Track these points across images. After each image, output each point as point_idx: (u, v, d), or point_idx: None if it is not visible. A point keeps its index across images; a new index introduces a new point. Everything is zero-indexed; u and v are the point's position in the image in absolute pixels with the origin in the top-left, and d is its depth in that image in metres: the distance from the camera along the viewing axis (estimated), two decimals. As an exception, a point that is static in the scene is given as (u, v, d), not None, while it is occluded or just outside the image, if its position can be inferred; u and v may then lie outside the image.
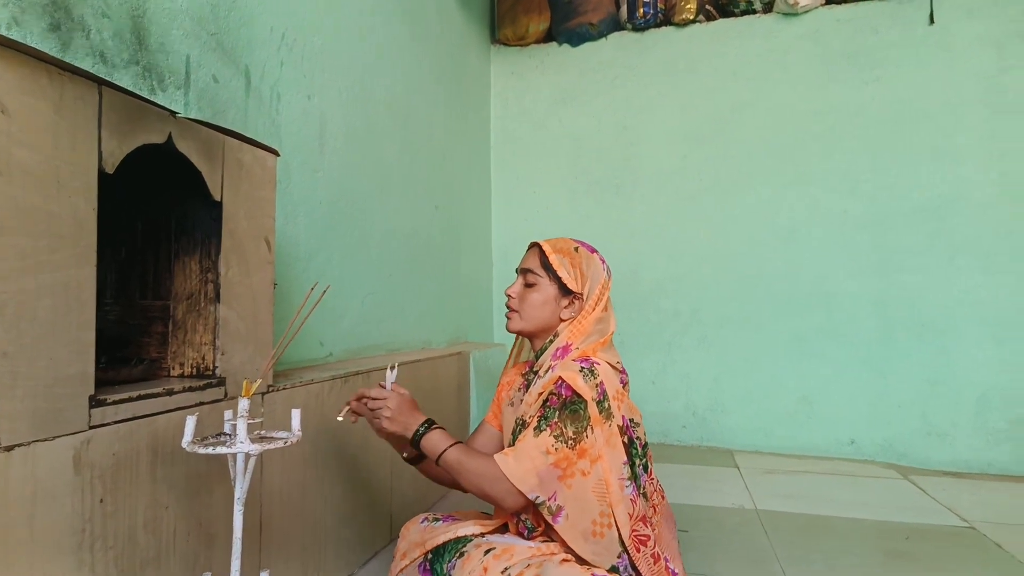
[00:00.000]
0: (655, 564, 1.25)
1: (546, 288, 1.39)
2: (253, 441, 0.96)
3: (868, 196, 3.28)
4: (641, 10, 3.63)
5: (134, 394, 1.00)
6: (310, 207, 1.89)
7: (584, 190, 3.78)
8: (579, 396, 1.24)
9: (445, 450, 1.28)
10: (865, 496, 2.57)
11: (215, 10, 1.49)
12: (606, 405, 1.25)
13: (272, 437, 1.01)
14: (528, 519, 1.31)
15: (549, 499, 1.21)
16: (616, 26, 3.74)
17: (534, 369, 1.42)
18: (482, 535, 1.35)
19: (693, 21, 3.60)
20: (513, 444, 1.31)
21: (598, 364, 1.29)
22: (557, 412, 1.24)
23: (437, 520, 1.42)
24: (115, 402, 0.96)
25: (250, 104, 1.62)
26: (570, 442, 1.22)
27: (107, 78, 1.05)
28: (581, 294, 1.38)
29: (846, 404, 3.25)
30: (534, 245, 1.45)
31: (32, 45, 0.86)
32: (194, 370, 1.20)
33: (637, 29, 3.70)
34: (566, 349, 1.35)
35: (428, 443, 1.29)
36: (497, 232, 3.95)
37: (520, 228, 3.86)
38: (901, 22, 3.28)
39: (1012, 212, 3.07)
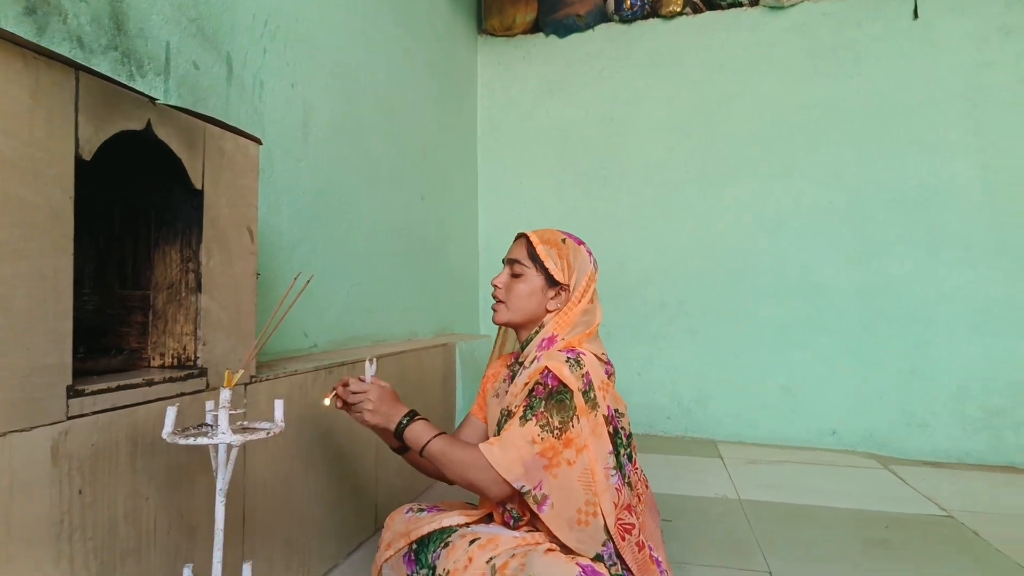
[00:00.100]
0: (639, 552, 1.26)
1: (533, 279, 1.39)
2: (235, 432, 0.96)
3: (852, 188, 3.31)
4: (628, 2, 3.63)
5: (113, 384, 0.98)
6: (294, 197, 1.87)
7: (571, 181, 3.78)
8: (565, 386, 1.24)
9: (429, 441, 1.27)
10: (846, 486, 2.61)
11: (196, -5, 1.47)
12: (592, 395, 1.25)
13: (255, 428, 1.00)
14: (514, 509, 1.31)
15: (535, 488, 1.21)
16: (603, 17, 3.74)
17: (519, 360, 1.42)
18: (467, 525, 1.35)
19: (680, 13, 3.61)
20: (499, 435, 1.31)
21: (584, 355, 1.30)
22: (543, 402, 1.24)
23: (422, 511, 1.42)
24: (93, 392, 0.95)
25: (232, 92, 1.60)
26: (556, 432, 1.22)
27: (84, 63, 1.03)
28: (568, 285, 1.38)
29: (828, 395, 3.29)
30: (521, 236, 1.45)
31: (6, 29, 0.84)
32: (175, 360, 1.19)
33: (624, 21, 3.70)
34: (552, 340, 1.35)
35: (411, 434, 1.29)
36: (483, 223, 3.95)
37: (506, 219, 3.85)
38: (885, 16, 3.31)
39: (993, 205, 3.11)
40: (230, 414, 0.94)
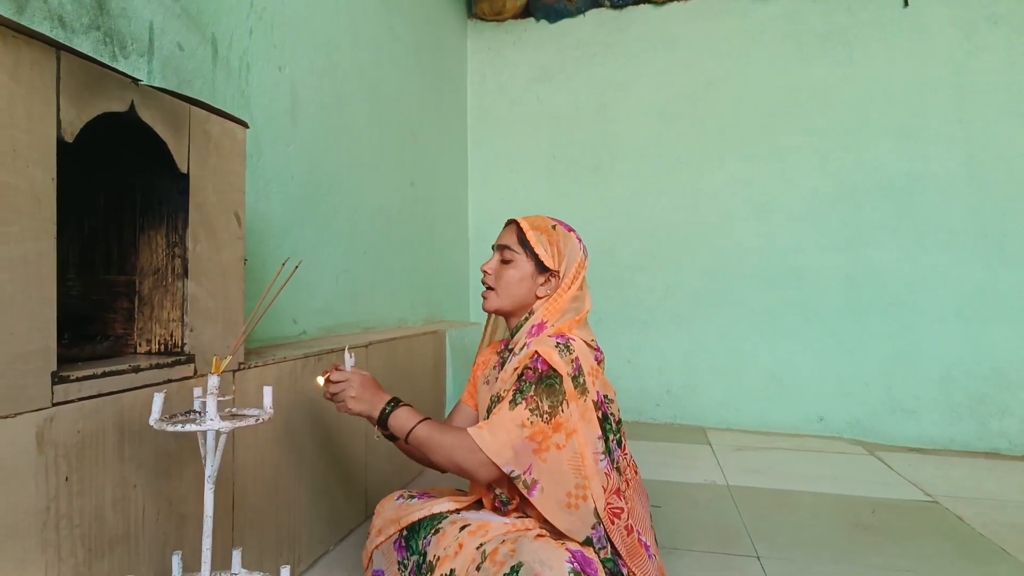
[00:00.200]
0: (628, 536, 1.26)
1: (523, 265, 1.39)
2: (223, 418, 0.95)
3: (838, 174, 3.33)
4: (619, -13, 3.61)
5: (99, 371, 0.97)
6: (282, 182, 1.85)
7: (562, 168, 3.77)
8: (555, 371, 1.24)
9: (414, 427, 1.27)
10: (833, 471, 2.64)
11: (180, -25, 1.44)
12: (581, 380, 1.25)
13: (243, 415, 1.00)
14: (503, 493, 1.31)
15: (524, 473, 1.21)
16: (594, 3, 3.71)
17: (509, 347, 1.42)
18: (457, 511, 1.35)
19: (671, -1, 3.59)
20: (488, 419, 1.31)
21: (574, 340, 1.30)
22: (533, 386, 1.24)
23: (412, 497, 1.42)
24: (79, 379, 0.93)
25: (218, 74, 1.57)
26: (545, 416, 1.22)
27: (66, 43, 1.00)
28: (557, 272, 1.38)
29: (815, 381, 3.32)
30: (512, 222, 1.44)
31: (-17, 5, 0.82)
32: (162, 347, 1.17)
33: (615, 6, 3.68)
34: (541, 326, 1.35)
35: (396, 421, 1.29)
36: (473, 210, 3.93)
37: (496, 206, 3.84)
38: (875, 3, 3.31)
39: (977, 192, 3.13)
40: (218, 401, 0.94)
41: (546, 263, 1.37)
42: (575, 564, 1.07)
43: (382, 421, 1.30)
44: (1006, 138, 3.10)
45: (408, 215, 2.88)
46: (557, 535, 1.23)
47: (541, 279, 1.39)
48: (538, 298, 1.39)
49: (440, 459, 1.27)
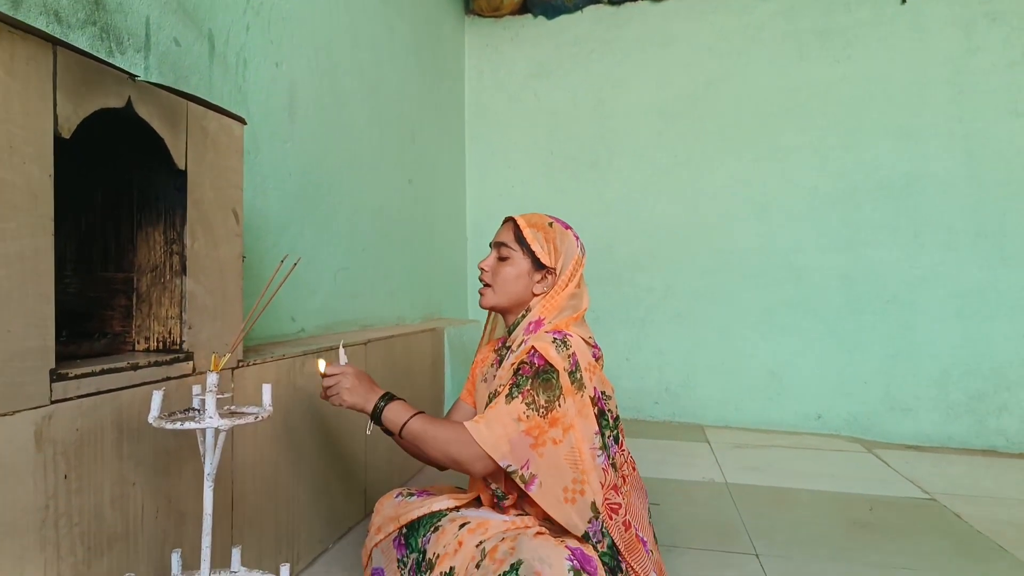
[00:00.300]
0: (626, 532, 1.26)
1: (519, 262, 1.38)
2: (223, 416, 0.94)
3: (837, 172, 3.32)
4: (617, -17, 3.60)
5: (97, 368, 0.96)
6: (280, 179, 1.84)
7: (560, 165, 3.77)
8: (551, 366, 1.24)
9: (408, 420, 1.27)
10: (831, 469, 2.64)
11: (178, -29, 1.43)
12: (578, 376, 1.25)
13: (242, 412, 0.99)
14: (499, 488, 1.31)
15: (522, 468, 1.20)
16: (592, -1, 3.70)
17: (507, 344, 1.41)
18: (456, 509, 1.35)
19: (669, -4, 3.58)
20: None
21: (571, 336, 1.29)
22: (529, 380, 1.24)
23: (411, 495, 1.42)
24: (77, 376, 0.93)
25: (215, 70, 1.56)
26: (541, 410, 1.22)
27: (62, 38, 0.99)
28: (554, 269, 1.38)
29: (813, 379, 3.32)
30: (509, 219, 1.44)
31: (-21, 0, 0.81)
32: (160, 344, 1.17)
33: (613, 3, 3.67)
34: (539, 323, 1.35)
35: (390, 414, 1.29)
36: (472, 207, 3.92)
37: (495, 203, 3.83)
38: (873, 1, 3.30)
39: (976, 191, 3.13)
40: (217, 398, 0.93)
41: (542, 260, 1.37)
42: (575, 562, 1.07)
43: (376, 414, 1.29)
44: (1005, 137, 3.10)
45: (406, 213, 2.87)
46: (557, 533, 1.23)
47: (537, 276, 1.38)
48: (535, 295, 1.39)
49: (435, 453, 1.27)
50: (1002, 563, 1.75)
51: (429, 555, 1.26)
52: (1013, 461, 2.85)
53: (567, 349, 1.26)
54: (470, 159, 3.92)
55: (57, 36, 0.93)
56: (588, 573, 1.08)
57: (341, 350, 1.37)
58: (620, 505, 1.28)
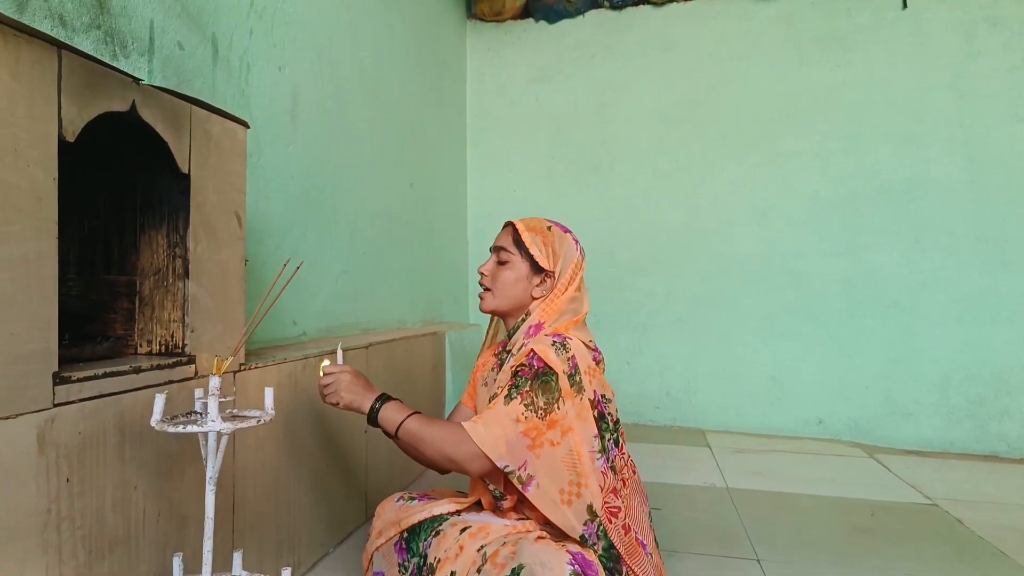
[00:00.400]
0: (626, 535, 1.26)
1: (518, 266, 1.39)
2: (225, 420, 0.94)
3: (838, 177, 3.33)
4: (619, -12, 3.61)
5: (100, 371, 0.97)
6: (283, 182, 1.84)
7: (561, 169, 3.77)
8: (550, 368, 1.24)
9: (403, 420, 1.27)
10: (832, 474, 2.64)
11: (181, -25, 1.43)
12: (577, 379, 1.25)
13: (245, 416, 0.99)
14: (496, 489, 1.30)
15: (519, 468, 1.20)
16: (594, 3, 3.71)
17: (507, 348, 1.41)
18: (457, 513, 1.35)
19: (671, 0, 3.58)
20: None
21: (570, 339, 1.29)
22: (528, 382, 1.24)
23: (412, 499, 1.42)
24: (80, 379, 0.93)
25: (218, 74, 1.57)
26: (540, 412, 1.22)
27: (67, 42, 1.00)
28: (553, 272, 1.38)
29: (814, 384, 3.32)
30: (508, 224, 1.45)
31: (-15, 4, 0.81)
32: (162, 348, 1.17)
33: (615, 7, 3.68)
34: (539, 327, 1.35)
35: (386, 414, 1.29)
36: (473, 211, 3.93)
37: (496, 207, 3.83)
38: (874, 6, 3.31)
39: (977, 196, 3.14)
40: (219, 402, 0.93)
41: (541, 264, 1.37)
42: (576, 566, 1.07)
43: (372, 414, 1.30)
44: (1006, 142, 3.11)
45: (408, 216, 2.88)
46: (558, 537, 1.23)
47: (536, 280, 1.39)
48: (534, 299, 1.39)
49: (431, 452, 1.27)
50: (1003, 568, 1.74)
51: (430, 559, 1.26)
52: (1014, 466, 2.85)
53: (566, 352, 1.26)
54: (471, 163, 3.93)
55: (62, 40, 0.94)
56: (589, 577, 1.08)
57: (339, 352, 1.37)
58: (620, 508, 1.27)
